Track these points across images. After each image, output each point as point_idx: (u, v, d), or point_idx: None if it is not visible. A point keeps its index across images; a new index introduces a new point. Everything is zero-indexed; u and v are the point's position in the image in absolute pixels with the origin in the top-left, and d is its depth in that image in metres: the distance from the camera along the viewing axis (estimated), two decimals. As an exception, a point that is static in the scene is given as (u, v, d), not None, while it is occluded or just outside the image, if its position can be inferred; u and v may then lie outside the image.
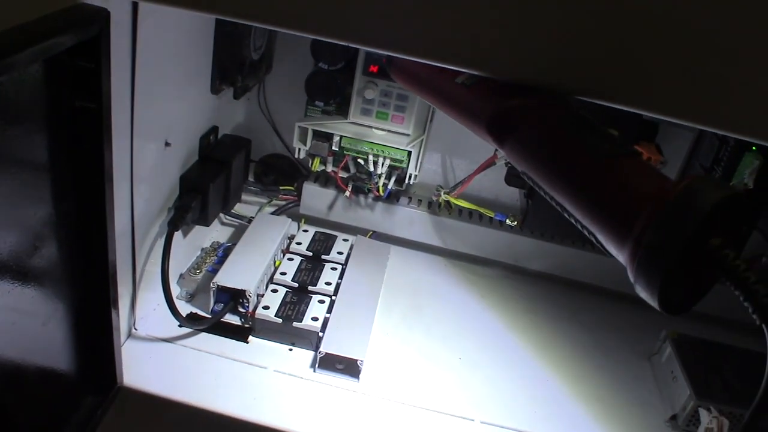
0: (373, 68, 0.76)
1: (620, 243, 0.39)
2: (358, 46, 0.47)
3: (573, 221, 0.44)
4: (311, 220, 0.88)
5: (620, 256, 0.39)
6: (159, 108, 0.62)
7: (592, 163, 0.41)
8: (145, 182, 0.62)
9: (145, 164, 0.61)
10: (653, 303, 0.37)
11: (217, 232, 0.85)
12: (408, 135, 0.79)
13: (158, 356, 0.66)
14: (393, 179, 0.82)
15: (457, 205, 0.84)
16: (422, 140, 0.80)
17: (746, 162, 0.75)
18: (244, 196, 0.89)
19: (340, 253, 0.82)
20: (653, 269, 0.36)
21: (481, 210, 0.83)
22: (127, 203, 0.60)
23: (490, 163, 0.75)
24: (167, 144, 0.66)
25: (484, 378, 0.72)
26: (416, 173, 0.81)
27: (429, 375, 0.71)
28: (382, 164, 0.79)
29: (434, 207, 0.87)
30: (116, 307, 0.57)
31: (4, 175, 0.42)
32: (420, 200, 0.89)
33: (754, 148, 0.75)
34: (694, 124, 0.46)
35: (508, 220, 0.83)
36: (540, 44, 0.43)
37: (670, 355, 0.78)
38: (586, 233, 0.43)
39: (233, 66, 0.74)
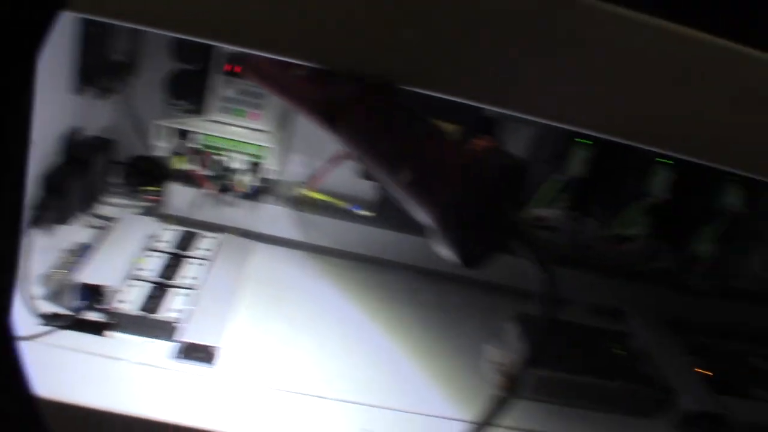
0: (229, 67, 0.79)
1: (431, 212, 0.44)
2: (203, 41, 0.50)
3: (397, 199, 0.49)
4: (178, 220, 0.90)
5: (428, 220, 0.44)
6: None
7: (406, 141, 0.46)
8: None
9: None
10: (453, 257, 0.43)
11: (79, 234, 0.85)
12: (266, 131, 0.82)
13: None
14: (256, 176, 0.85)
15: (313, 198, 0.88)
16: (282, 137, 0.84)
17: (577, 153, 0.83)
18: (109, 198, 0.90)
19: (205, 249, 0.84)
20: (450, 229, 0.41)
21: (336, 202, 0.87)
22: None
23: (341, 156, 0.79)
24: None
25: (341, 360, 0.76)
26: (277, 169, 0.84)
27: (287, 360, 0.74)
28: (242, 161, 0.82)
29: (297, 203, 0.91)
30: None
31: None
32: (285, 198, 0.92)
33: (585, 140, 0.84)
34: (506, 111, 0.52)
35: (363, 212, 0.88)
36: (363, 35, 0.48)
37: (518, 333, 0.84)
38: (407, 209, 0.48)
39: (96, 67, 0.75)
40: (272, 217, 0.91)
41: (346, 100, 0.51)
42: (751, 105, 0.53)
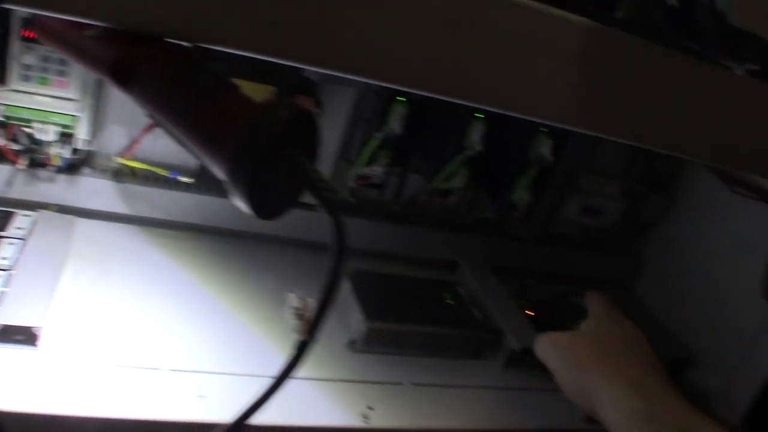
0: (27, 32, 0.74)
1: (220, 163, 0.44)
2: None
3: (192, 155, 0.48)
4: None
5: (222, 174, 0.44)
6: None
7: (196, 97, 0.46)
8: None
9: None
10: (247, 209, 0.43)
11: None
12: (75, 100, 0.78)
13: None
14: (69, 148, 0.81)
15: (131, 167, 0.86)
16: (93, 105, 0.80)
17: (395, 110, 0.86)
18: None
19: (19, 228, 0.80)
20: (240, 179, 0.42)
21: (154, 169, 0.85)
22: None
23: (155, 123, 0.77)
24: None
25: (171, 330, 0.75)
26: (89, 139, 0.81)
27: (117, 334, 0.72)
28: (52, 132, 0.78)
29: (119, 175, 0.88)
30: None
31: None
32: (105, 169, 0.89)
33: (401, 98, 0.86)
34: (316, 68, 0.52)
35: (182, 178, 0.87)
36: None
37: (348, 289, 0.87)
38: (205, 164, 0.48)
39: None
40: (92, 190, 0.87)
41: (136, 57, 0.49)
42: (541, 55, 0.57)
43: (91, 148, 0.83)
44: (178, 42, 0.50)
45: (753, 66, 0.57)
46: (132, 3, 0.47)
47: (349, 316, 0.85)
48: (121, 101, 0.85)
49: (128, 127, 0.86)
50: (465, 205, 0.96)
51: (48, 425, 0.61)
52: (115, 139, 0.87)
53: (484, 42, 0.54)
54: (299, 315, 0.77)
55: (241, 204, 0.43)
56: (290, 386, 0.71)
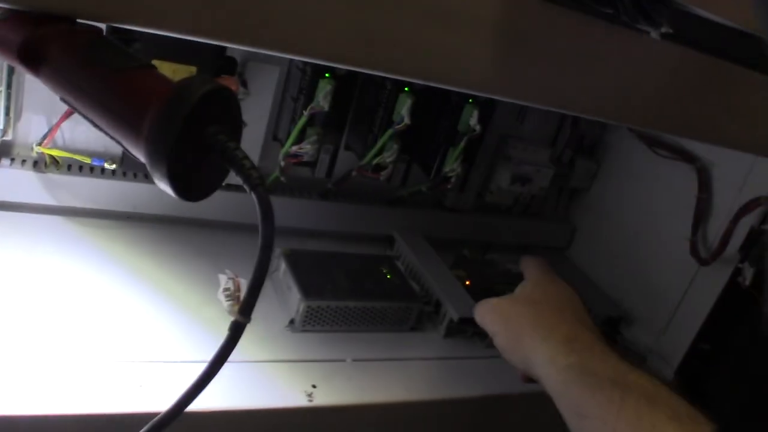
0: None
1: (137, 144, 0.43)
2: None
3: (110, 138, 0.47)
4: None
5: (141, 156, 0.43)
6: None
7: (108, 77, 0.45)
8: None
9: None
10: (170, 191, 0.42)
11: None
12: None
13: None
14: (-21, 139, 0.78)
15: (51, 156, 0.83)
16: (7, 93, 0.77)
17: (321, 86, 0.85)
18: None
19: (-66, 225, 0.76)
20: (158, 159, 0.41)
21: (76, 157, 0.83)
22: None
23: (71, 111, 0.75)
24: None
25: (108, 320, 0.73)
26: (5, 128, 0.78)
27: (50, 328, 0.70)
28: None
29: (40, 164, 0.85)
30: None
31: None
32: (24, 160, 0.86)
33: (327, 74, 0.85)
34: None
35: (105, 164, 0.84)
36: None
37: (284, 269, 0.86)
38: (121, 147, 0.46)
39: None
40: (12, 181, 0.84)
41: (46, 39, 0.47)
42: (458, 23, 0.57)
43: (8, 138, 0.80)
44: (89, 22, 0.49)
45: (668, 29, 0.59)
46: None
47: (287, 297, 0.84)
48: (37, 88, 0.82)
49: (47, 115, 0.83)
50: (398, 180, 0.97)
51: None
52: (33, 127, 0.83)
53: (400, 11, 0.54)
54: (231, 296, 0.77)
55: (164, 186, 0.42)
56: (232, 370, 0.71)
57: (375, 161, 0.90)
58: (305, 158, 0.87)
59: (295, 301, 0.82)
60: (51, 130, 0.80)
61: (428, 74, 0.59)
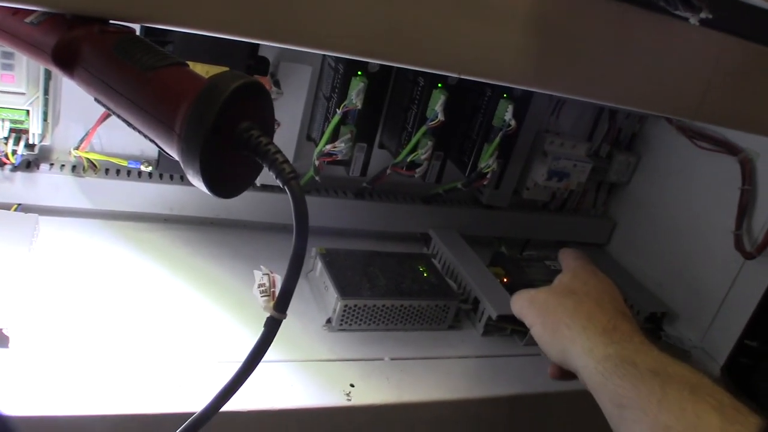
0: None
1: (171, 141, 0.43)
2: None
3: (143, 136, 0.47)
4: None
5: (175, 154, 0.43)
6: None
7: (141, 76, 0.45)
8: None
9: None
10: (203, 187, 0.42)
11: None
12: (23, 93, 0.76)
13: None
14: (22, 144, 0.79)
15: (89, 160, 0.84)
16: (44, 98, 0.78)
17: (354, 84, 0.84)
18: None
19: (-22, 229, 0.78)
20: (191, 155, 0.40)
21: (112, 160, 0.84)
22: None
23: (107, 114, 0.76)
24: None
25: (148, 321, 0.74)
26: (42, 133, 0.79)
27: (92, 330, 0.71)
28: (1, 128, 0.76)
29: (78, 169, 0.86)
30: None
31: None
32: (63, 165, 0.87)
33: (360, 72, 0.85)
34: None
35: (142, 166, 0.85)
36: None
37: (321, 269, 0.86)
38: (156, 146, 0.46)
39: None
40: (51, 186, 0.85)
41: (79, 41, 0.48)
42: (496, 16, 0.56)
43: (47, 143, 0.81)
44: (121, 23, 0.49)
45: (707, 15, 0.57)
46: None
47: (324, 296, 0.84)
48: (74, 93, 0.83)
49: (84, 119, 0.84)
50: (433, 177, 0.96)
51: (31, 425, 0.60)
52: (70, 132, 0.85)
53: (432, 3, 0.53)
54: (267, 292, 0.76)
55: (197, 183, 0.42)
56: (270, 369, 0.71)
57: (409, 159, 0.90)
58: (339, 157, 0.86)
59: (332, 300, 0.81)
60: (87, 135, 0.81)
61: (462, 67, 0.58)
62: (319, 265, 0.86)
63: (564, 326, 0.62)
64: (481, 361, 0.84)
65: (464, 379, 0.81)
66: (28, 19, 0.52)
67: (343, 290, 0.81)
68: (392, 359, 0.79)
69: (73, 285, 0.77)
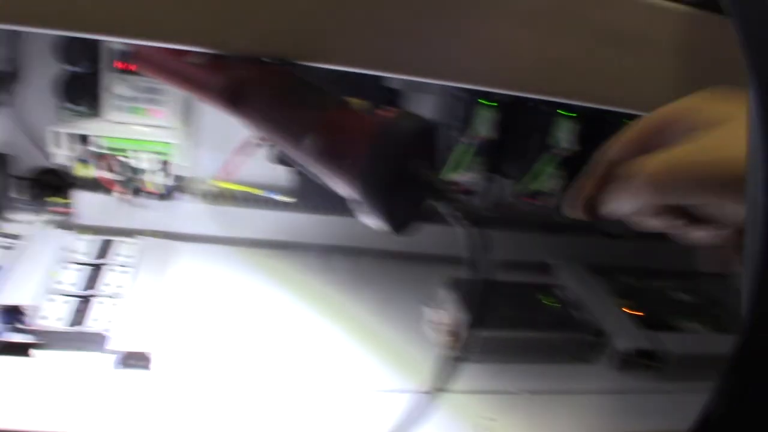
0: (120, 64, 0.76)
1: (344, 180, 0.44)
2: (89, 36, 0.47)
3: (313, 175, 0.48)
4: (91, 229, 0.86)
5: (350, 192, 0.44)
6: None
7: (312, 116, 0.46)
8: None
9: None
10: (382, 224, 0.43)
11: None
12: (169, 127, 0.80)
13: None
14: (167, 175, 0.82)
15: (227, 189, 0.86)
16: (188, 131, 0.81)
17: (479, 113, 0.84)
18: (12, 215, 0.86)
19: (122, 255, 0.81)
20: (373, 195, 0.41)
21: (249, 189, 0.86)
22: None
23: (248, 144, 0.78)
24: None
25: (282, 350, 0.75)
26: (187, 165, 0.82)
27: (226, 358, 0.72)
28: (150, 160, 0.80)
29: (214, 198, 0.89)
30: None
31: None
32: (201, 193, 0.90)
33: (484, 101, 0.85)
34: (407, 77, 0.52)
35: (281, 197, 0.87)
36: (256, 14, 0.47)
37: (448, 297, 0.85)
38: (324, 183, 0.47)
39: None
40: (190, 214, 0.88)
41: (246, 81, 0.50)
42: (642, 45, 0.55)
43: (186, 174, 0.84)
44: (279, 61, 0.51)
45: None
46: (234, 29, 0.48)
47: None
48: (211, 125, 0.86)
49: (221, 150, 0.87)
50: (555, 206, 0.94)
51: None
52: (208, 162, 0.88)
53: (581, 37, 0.52)
54: (439, 328, 0.77)
55: (372, 221, 0.43)
56: (407, 400, 0.71)
57: (532, 186, 0.89)
58: (466, 186, 0.86)
59: (463, 329, 0.81)
60: (226, 165, 0.83)
61: (605, 99, 0.57)
62: (449, 293, 0.86)
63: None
64: (618, 398, 0.81)
65: (602, 415, 0.78)
66: (191, 60, 0.55)
67: (472, 321, 0.80)
68: (526, 392, 0.77)
69: (208, 310, 0.79)
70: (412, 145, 0.41)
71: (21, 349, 0.68)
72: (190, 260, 0.86)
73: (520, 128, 0.92)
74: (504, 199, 0.94)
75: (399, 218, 0.43)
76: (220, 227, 0.89)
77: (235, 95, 0.50)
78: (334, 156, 0.44)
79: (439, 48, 0.51)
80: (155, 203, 0.87)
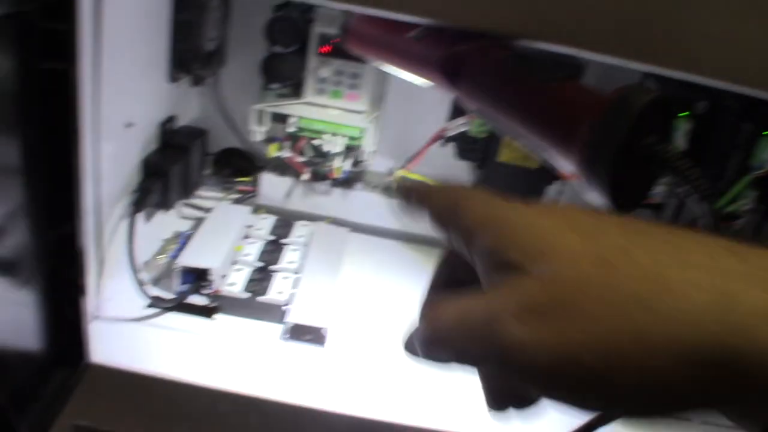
0: (325, 48, 0.79)
1: (569, 151, 0.42)
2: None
3: (527, 144, 0.47)
4: (271, 210, 0.90)
5: (571, 164, 0.42)
6: (120, 87, 0.63)
7: (538, 88, 0.45)
8: (108, 162, 0.63)
9: (108, 143, 0.62)
10: (605, 198, 0.41)
11: (176, 224, 0.86)
12: (363, 112, 0.81)
13: (125, 335, 0.67)
14: (350, 161, 0.84)
15: (410, 179, 0.87)
16: (377, 116, 0.82)
17: (679, 125, 0.80)
18: (200, 190, 0.90)
19: (300, 236, 0.84)
20: (597, 167, 0.39)
21: (433, 182, 0.85)
22: (91, 183, 0.60)
23: (439, 136, 0.78)
24: (129, 125, 0.67)
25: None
26: (373, 150, 0.83)
27: (393, 344, 0.72)
28: (338, 143, 0.81)
29: (389, 190, 0.90)
30: (83, 284, 0.59)
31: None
32: (379, 183, 0.91)
33: (685, 113, 0.80)
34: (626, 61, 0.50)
35: (460, 192, 0.86)
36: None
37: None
38: (540, 152, 0.46)
39: (188, 54, 0.76)
40: (365, 204, 0.90)
41: (466, 54, 0.50)
42: None
43: (369, 160, 0.86)
44: (501, 38, 0.50)
45: None
46: (460, 3, 0.48)
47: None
48: (396, 114, 0.87)
49: (401, 141, 0.88)
50: (751, 230, 0.88)
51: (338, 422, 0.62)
52: (389, 152, 0.89)
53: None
54: None
55: (594, 195, 0.41)
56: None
57: (728, 209, 0.83)
58: (656, 200, 0.82)
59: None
60: (416, 155, 0.83)
61: None
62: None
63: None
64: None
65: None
66: (410, 34, 0.55)
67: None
68: None
69: (375, 298, 0.80)
70: (644, 118, 0.39)
71: (204, 311, 0.71)
72: (360, 248, 0.88)
73: (718, 143, 0.87)
74: (696, 219, 0.88)
75: (625, 195, 0.41)
76: (392, 220, 0.90)
77: (455, 68, 0.50)
78: (560, 129, 0.43)
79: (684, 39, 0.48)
80: (332, 190, 0.89)
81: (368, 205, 0.90)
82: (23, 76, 0.47)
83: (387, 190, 0.90)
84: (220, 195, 0.92)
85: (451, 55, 0.50)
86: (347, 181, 0.90)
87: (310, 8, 0.79)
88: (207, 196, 0.91)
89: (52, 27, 0.47)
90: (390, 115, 0.87)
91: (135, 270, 0.67)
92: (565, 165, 0.43)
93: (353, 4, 0.48)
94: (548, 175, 0.81)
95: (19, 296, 0.53)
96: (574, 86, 0.45)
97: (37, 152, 0.51)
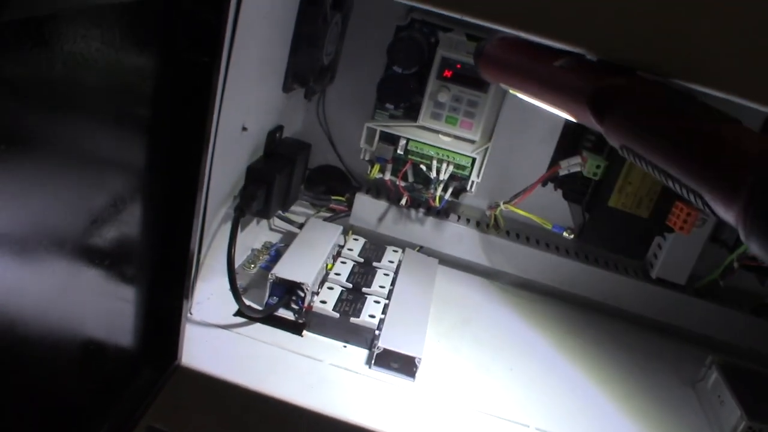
0: (447, 73, 0.77)
1: (728, 201, 0.39)
2: (476, 21, 0.48)
3: (676, 188, 0.45)
4: (358, 233, 0.88)
5: (728, 215, 0.40)
6: (242, 89, 0.63)
7: (697, 129, 0.43)
8: (220, 164, 0.62)
9: (224, 145, 0.62)
10: (770, 257, 0.38)
11: (267, 234, 0.85)
12: (474, 142, 0.80)
13: (214, 340, 0.66)
14: (450, 191, 0.83)
15: (496, 217, 0.85)
16: (487, 148, 0.81)
17: None
18: (292, 206, 0.90)
19: (390, 261, 0.82)
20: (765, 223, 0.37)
21: (539, 220, 0.83)
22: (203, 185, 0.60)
23: (552, 174, 0.76)
24: (244, 128, 0.67)
25: (536, 388, 0.72)
26: (478, 180, 0.82)
27: (481, 381, 0.71)
28: (445, 170, 0.80)
29: (483, 225, 0.88)
30: (187, 285, 0.58)
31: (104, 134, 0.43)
32: (468, 219, 0.89)
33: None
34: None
35: (565, 233, 0.83)
36: (645, 25, 0.45)
37: (716, 380, 0.77)
38: (692, 197, 0.44)
39: (305, 67, 0.76)
40: (457, 237, 0.88)
41: (619, 88, 0.48)
42: None
43: (472, 191, 0.84)
44: (651, 75, 0.48)
45: None
46: (618, 37, 0.46)
47: (718, 411, 0.75)
48: (501, 148, 0.85)
49: (503, 176, 0.86)
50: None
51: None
52: (487, 185, 0.87)
53: None
54: None
55: (759, 250, 0.38)
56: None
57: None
58: (763, 263, 0.78)
59: (732, 418, 0.72)
60: (525, 191, 0.80)
61: None
62: (714, 375, 0.78)
63: None
64: None
65: None
66: (557, 63, 0.54)
67: (748, 410, 0.72)
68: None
69: (465, 333, 0.78)
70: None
71: (295, 327, 0.70)
72: (448, 280, 0.86)
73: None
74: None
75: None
76: (483, 256, 0.88)
77: (605, 102, 0.48)
78: (714, 176, 0.40)
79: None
80: (426, 219, 0.87)
81: (461, 238, 0.88)
82: (164, 62, 0.46)
83: (480, 225, 0.88)
84: (311, 211, 0.91)
85: (606, 88, 0.48)
86: (444, 211, 0.88)
87: (433, 31, 0.78)
88: (297, 211, 0.90)
89: (204, 17, 0.47)
90: (496, 149, 0.85)
91: (234, 277, 0.66)
92: (720, 212, 0.40)
93: (510, 27, 0.47)
94: (659, 225, 0.78)
95: (122, 291, 0.53)
96: (736, 130, 0.42)
97: (162, 144, 0.50)
